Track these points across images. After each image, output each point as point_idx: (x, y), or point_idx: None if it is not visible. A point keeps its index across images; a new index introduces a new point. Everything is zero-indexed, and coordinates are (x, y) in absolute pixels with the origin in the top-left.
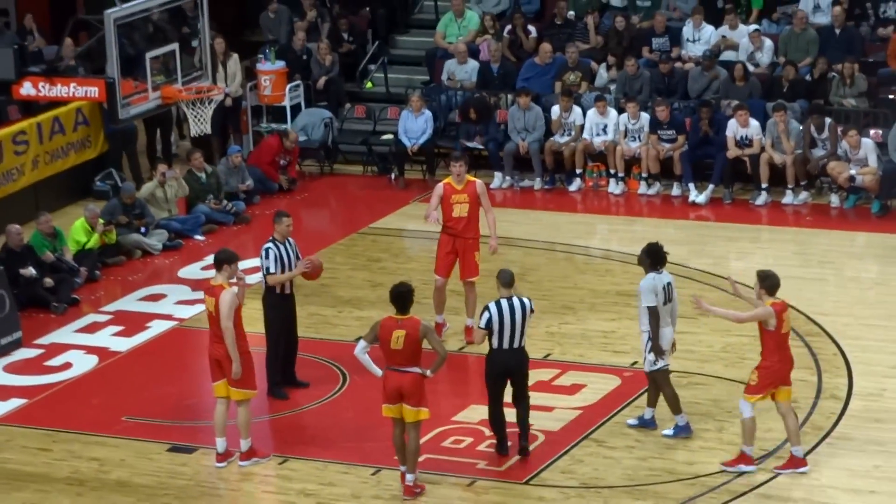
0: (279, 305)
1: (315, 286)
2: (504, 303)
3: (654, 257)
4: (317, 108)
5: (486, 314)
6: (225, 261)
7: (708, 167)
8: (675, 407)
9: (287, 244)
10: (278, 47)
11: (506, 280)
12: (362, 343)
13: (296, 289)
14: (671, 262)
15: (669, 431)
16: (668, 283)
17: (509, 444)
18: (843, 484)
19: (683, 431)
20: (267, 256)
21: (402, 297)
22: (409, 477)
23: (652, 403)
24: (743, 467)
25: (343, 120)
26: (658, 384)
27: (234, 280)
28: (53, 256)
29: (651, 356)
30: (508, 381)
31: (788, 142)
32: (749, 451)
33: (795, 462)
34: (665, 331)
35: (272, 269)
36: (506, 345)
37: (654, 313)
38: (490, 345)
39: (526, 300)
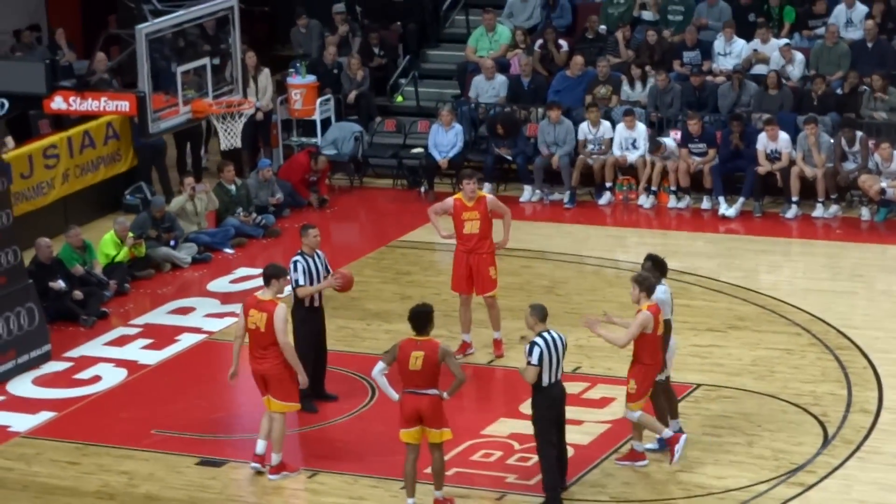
0: (309, 319)
1: (344, 299)
2: (547, 336)
3: (661, 268)
4: (347, 121)
5: (538, 349)
6: (273, 275)
7: (738, 180)
8: (662, 420)
9: (316, 257)
10: (309, 62)
11: (543, 314)
12: (380, 364)
13: (325, 302)
14: (702, 276)
15: (654, 445)
16: (671, 295)
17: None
18: (874, 498)
19: (665, 447)
20: (295, 269)
21: (418, 317)
22: (437, 493)
23: (673, 415)
24: (677, 450)
25: (373, 134)
26: (651, 396)
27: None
28: (83, 270)
29: None
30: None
31: (819, 155)
32: (664, 434)
33: (635, 456)
34: (672, 341)
35: (301, 282)
36: (553, 379)
37: (669, 326)
38: (540, 382)
39: (563, 335)
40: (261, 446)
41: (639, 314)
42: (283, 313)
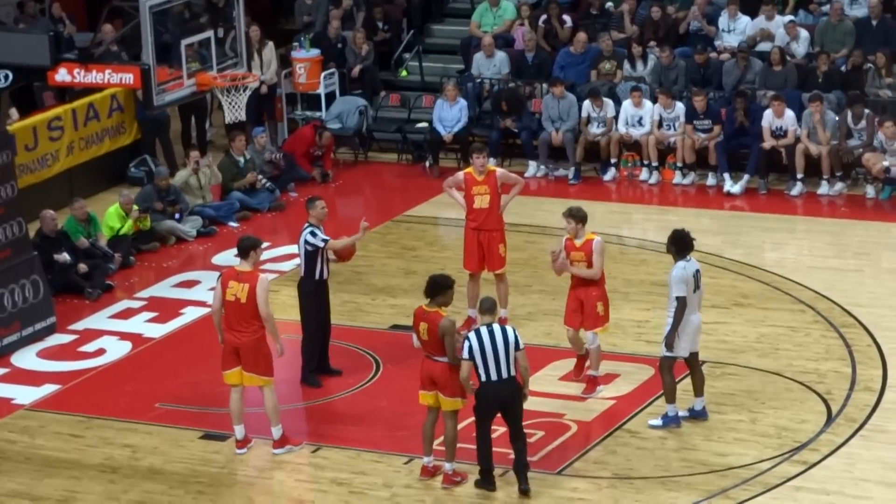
0: (317, 291)
1: (349, 274)
2: (483, 330)
3: (679, 244)
4: (351, 95)
5: (466, 343)
6: (251, 247)
7: (743, 157)
8: (670, 397)
9: (320, 230)
10: (313, 35)
11: (485, 306)
12: (414, 336)
13: (330, 276)
14: (706, 253)
15: (658, 422)
16: (697, 271)
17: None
18: (878, 476)
19: (672, 422)
20: (315, 235)
21: (430, 284)
22: (447, 466)
23: (698, 392)
24: (601, 387)
25: (378, 108)
26: (661, 370)
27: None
28: (88, 242)
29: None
30: (500, 414)
31: (824, 132)
32: (596, 374)
33: (595, 381)
34: (693, 317)
35: (328, 238)
36: (493, 376)
37: (682, 303)
38: (478, 377)
39: (510, 330)
40: (240, 431)
41: (594, 243)
42: (265, 284)
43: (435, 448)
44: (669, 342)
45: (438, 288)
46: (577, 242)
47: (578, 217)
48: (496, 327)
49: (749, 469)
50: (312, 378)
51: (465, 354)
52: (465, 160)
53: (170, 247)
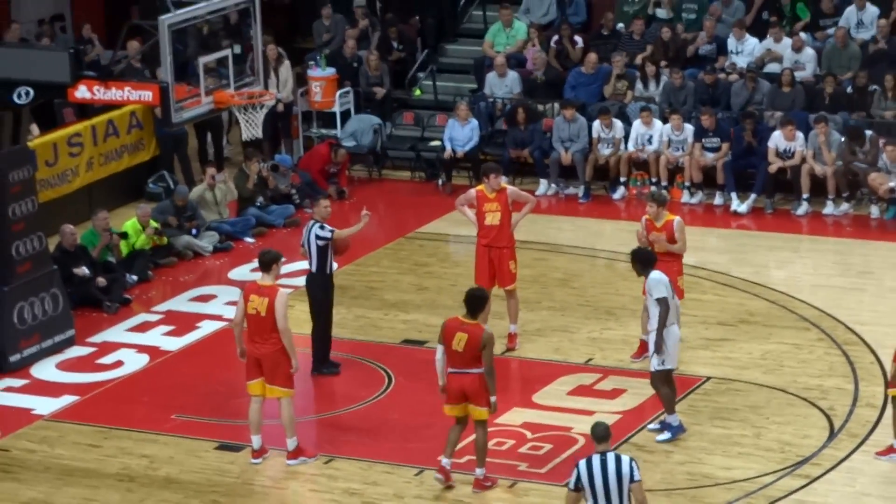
0: (326, 285)
1: (362, 289)
2: (596, 460)
3: (644, 260)
4: (366, 114)
5: (575, 473)
6: (272, 261)
7: (750, 177)
8: (670, 407)
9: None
10: (329, 53)
11: (598, 434)
12: (440, 349)
13: (343, 292)
14: (713, 271)
15: (665, 436)
16: (669, 282)
17: None
18: (879, 492)
19: (679, 431)
20: (322, 227)
21: (473, 300)
22: (478, 471)
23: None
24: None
25: (392, 126)
26: (656, 384)
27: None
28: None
29: (656, 358)
30: None
31: (829, 153)
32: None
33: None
34: (673, 328)
35: (333, 228)
36: None
37: (665, 304)
38: None
39: (626, 460)
40: (256, 441)
41: (674, 223)
42: (284, 299)
43: (455, 460)
44: (658, 346)
45: (481, 302)
46: (658, 224)
47: (660, 201)
48: (610, 457)
49: (752, 482)
50: (330, 368)
51: (572, 485)
52: (476, 178)
53: (187, 262)
